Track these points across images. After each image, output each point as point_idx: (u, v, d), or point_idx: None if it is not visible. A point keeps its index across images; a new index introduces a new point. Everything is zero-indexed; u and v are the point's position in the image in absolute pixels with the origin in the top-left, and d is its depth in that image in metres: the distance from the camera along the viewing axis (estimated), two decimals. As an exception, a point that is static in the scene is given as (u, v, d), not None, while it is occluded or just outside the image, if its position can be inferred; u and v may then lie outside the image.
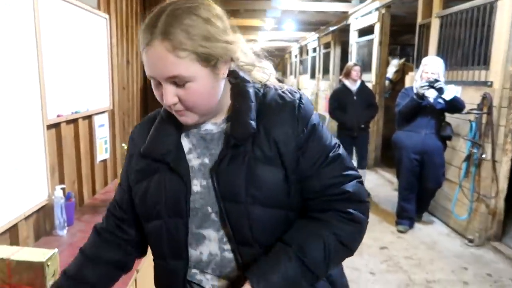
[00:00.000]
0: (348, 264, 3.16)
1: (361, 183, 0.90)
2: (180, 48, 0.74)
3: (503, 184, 3.44)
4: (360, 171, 4.86)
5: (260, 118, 0.86)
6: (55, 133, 1.97)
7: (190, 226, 0.88)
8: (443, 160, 3.67)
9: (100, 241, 1.02)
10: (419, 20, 4.83)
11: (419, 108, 3.50)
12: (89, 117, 2.37)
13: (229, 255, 0.88)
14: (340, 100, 4.68)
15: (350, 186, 0.86)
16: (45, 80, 1.82)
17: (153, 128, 0.92)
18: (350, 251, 0.87)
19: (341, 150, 0.91)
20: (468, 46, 3.78)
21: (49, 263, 1.19)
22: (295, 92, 0.92)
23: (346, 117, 4.63)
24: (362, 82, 4.73)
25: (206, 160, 0.88)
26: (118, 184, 1.04)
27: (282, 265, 0.80)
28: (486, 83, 3.44)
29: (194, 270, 0.92)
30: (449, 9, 4.11)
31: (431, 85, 3.37)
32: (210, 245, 0.89)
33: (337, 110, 4.72)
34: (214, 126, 0.89)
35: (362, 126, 4.66)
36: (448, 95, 3.37)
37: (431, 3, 4.49)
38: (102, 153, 2.54)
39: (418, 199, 3.82)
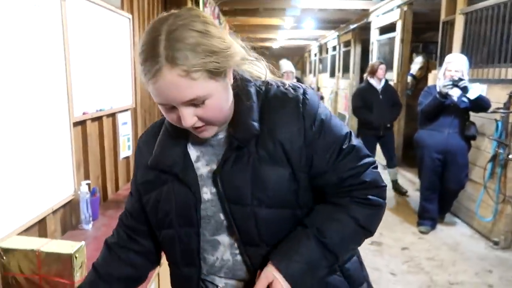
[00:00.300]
0: (369, 264, 3.13)
1: (376, 167, 0.90)
2: (192, 70, 0.72)
3: (530, 185, 3.34)
4: (391, 171, 4.84)
5: (263, 118, 0.85)
6: (81, 130, 2.03)
7: (204, 234, 0.89)
8: (466, 161, 3.59)
9: (111, 258, 1.01)
10: (443, 17, 4.73)
11: (442, 107, 3.43)
12: (112, 115, 2.43)
13: (239, 258, 0.89)
14: (365, 99, 4.62)
15: (367, 176, 0.87)
16: (72, 80, 1.87)
17: (158, 141, 0.92)
18: (369, 233, 0.89)
19: (354, 139, 0.89)
20: (494, 43, 3.68)
21: (77, 255, 1.23)
22: (298, 87, 0.89)
23: (373, 116, 4.57)
24: (386, 81, 4.67)
25: (215, 166, 0.87)
26: (129, 193, 1.03)
27: (302, 246, 0.83)
28: (514, 81, 3.35)
29: (207, 275, 0.94)
30: (474, 5, 4.01)
31: (455, 83, 3.30)
32: (224, 250, 0.90)
33: (363, 109, 4.66)
34: (221, 133, 0.88)
35: (388, 125, 4.60)
36: (472, 94, 3.29)
37: (455, 0, 4.39)
38: (125, 150, 2.59)
39: (440, 200, 3.75)
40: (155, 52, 0.72)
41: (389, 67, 6.36)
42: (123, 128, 2.56)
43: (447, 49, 4.61)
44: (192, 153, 0.90)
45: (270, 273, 0.81)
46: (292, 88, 0.88)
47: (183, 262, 0.92)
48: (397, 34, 6.01)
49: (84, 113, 2.02)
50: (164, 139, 0.91)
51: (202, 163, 0.89)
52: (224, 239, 0.89)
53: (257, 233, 0.84)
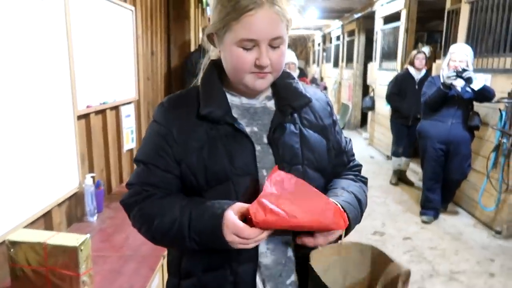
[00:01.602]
0: (371, 254, 3.16)
1: None
2: (282, 13, 0.86)
3: (534, 175, 3.33)
4: (406, 160, 4.83)
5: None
6: (85, 123, 2.05)
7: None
8: (469, 151, 3.59)
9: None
10: (448, 6, 4.68)
11: (446, 98, 3.42)
12: (116, 108, 2.44)
13: None
14: (401, 86, 4.65)
15: (359, 161, 1.13)
16: (75, 73, 1.88)
17: (203, 94, 0.94)
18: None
19: None
20: (499, 32, 3.64)
21: (82, 248, 1.26)
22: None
23: (403, 105, 4.60)
24: (427, 72, 4.63)
25: (255, 129, 0.94)
26: (146, 168, 0.94)
27: (347, 194, 0.97)
28: (518, 71, 3.32)
29: None
30: (480, -7, 3.96)
31: (459, 74, 3.27)
32: None
33: (396, 95, 4.69)
34: (255, 101, 0.97)
35: (418, 116, 4.58)
36: (476, 85, 3.27)
37: (461, -12, 4.33)
38: (129, 142, 2.61)
39: (443, 190, 3.76)
40: None
41: (393, 56, 6.33)
42: (126, 121, 2.58)
43: (452, 38, 4.57)
44: (233, 112, 0.95)
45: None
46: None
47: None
48: (402, 24, 5.95)
49: (88, 106, 2.04)
50: (209, 93, 0.94)
51: (246, 123, 0.94)
52: None
53: None
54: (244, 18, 0.83)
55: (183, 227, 0.86)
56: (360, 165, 1.12)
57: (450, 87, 3.37)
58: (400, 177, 5.01)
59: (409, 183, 4.91)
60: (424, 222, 3.76)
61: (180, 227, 0.87)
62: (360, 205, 0.98)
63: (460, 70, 3.29)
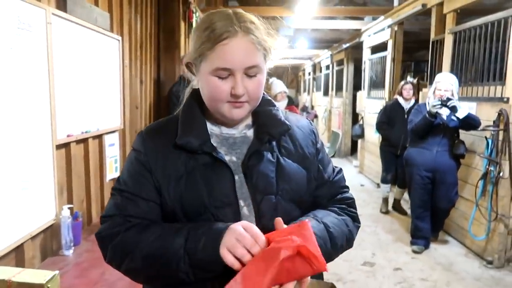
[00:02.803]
0: (361, 286, 3.08)
1: None
2: (259, 41, 0.86)
3: (523, 203, 3.32)
4: (400, 190, 4.82)
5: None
6: (65, 153, 2.00)
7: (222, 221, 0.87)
8: (455, 179, 3.58)
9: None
10: (432, 36, 4.80)
11: (432, 126, 3.45)
12: (99, 137, 2.41)
13: None
14: (389, 115, 4.72)
15: (351, 194, 1.05)
16: (55, 101, 1.86)
17: (182, 124, 0.92)
18: (351, 242, 0.99)
19: None
20: (483, 61, 3.72)
21: (49, 285, 1.18)
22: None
23: (392, 133, 4.66)
24: (416, 102, 4.69)
25: (234, 158, 0.92)
26: (124, 198, 0.89)
27: (315, 223, 0.91)
28: (502, 99, 3.36)
29: None
30: (462, 25, 4.07)
31: (444, 103, 3.30)
32: None
33: (385, 124, 4.76)
34: (235, 130, 0.95)
35: (407, 145, 4.61)
36: (461, 113, 3.31)
37: (444, 19, 4.45)
38: (112, 172, 2.56)
39: (432, 219, 3.71)
40: (228, 21, 0.85)
41: (381, 85, 6.42)
42: (110, 150, 2.54)
43: (437, 67, 4.66)
44: (212, 141, 0.92)
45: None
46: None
47: None
48: (388, 53, 6.08)
49: (68, 135, 2.00)
50: (188, 122, 0.92)
51: (225, 152, 0.92)
52: None
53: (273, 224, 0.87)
54: (218, 47, 0.83)
55: (176, 245, 0.81)
56: (351, 198, 1.04)
57: (435, 115, 3.40)
58: (394, 206, 4.97)
59: (403, 212, 4.87)
60: (414, 252, 3.70)
61: (173, 245, 0.81)
62: (331, 239, 0.90)
63: (445, 99, 3.33)
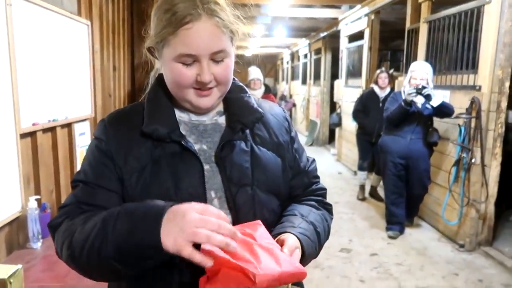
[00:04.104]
0: (339, 272, 3.11)
1: None
2: (223, 24, 0.80)
3: (493, 189, 3.41)
4: (376, 177, 4.87)
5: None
6: (31, 142, 1.91)
7: None
8: (428, 166, 3.67)
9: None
10: (408, 25, 4.84)
11: (407, 114, 3.50)
12: (68, 125, 2.32)
13: None
14: (365, 104, 4.79)
15: (323, 185, 1.03)
16: (19, 89, 1.76)
17: (148, 111, 0.86)
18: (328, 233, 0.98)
19: None
20: (456, 50, 3.77)
21: (11, 280, 1.13)
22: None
23: (367, 121, 4.73)
24: (392, 90, 4.72)
25: (204, 147, 0.87)
26: (84, 188, 0.83)
27: (304, 224, 0.88)
28: (475, 87, 3.43)
29: None
30: (437, 13, 4.11)
31: (419, 92, 3.36)
32: None
33: (361, 112, 4.83)
34: (205, 117, 0.89)
35: (382, 133, 4.65)
36: (435, 101, 3.37)
37: (419, 8, 4.49)
38: (83, 161, 2.48)
39: (407, 204, 3.80)
40: (192, 2, 0.78)
41: (358, 74, 6.46)
42: (80, 139, 2.45)
43: (412, 56, 4.71)
44: (181, 129, 0.87)
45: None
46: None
47: None
48: (365, 42, 6.10)
49: (34, 124, 1.91)
50: (154, 109, 0.86)
51: (194, 140, 0.87)
52: None
53: (254, 216, 0.84)
54: (181, 31, 0.77)
55: (106, 227, 0.71)
56: (325, 189, 1.02)
57: (411, 104, 3.44)
58: (371, 193, 5.04)
59: (380, 199, 4.95)
60: (390, 237, 3.77)
61: (100, 228, 0.71)
62: (318, 238, 0.89)
63: (420, 87, 3.37)
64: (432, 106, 3.41)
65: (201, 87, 0.82)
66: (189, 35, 0.77)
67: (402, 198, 3.74)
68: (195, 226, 0.66)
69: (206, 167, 0.84)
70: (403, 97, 3.50)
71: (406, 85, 3.57)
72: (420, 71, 3.51)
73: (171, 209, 0.69)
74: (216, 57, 0.81)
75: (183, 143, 0.83)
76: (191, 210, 0.68)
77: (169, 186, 0.81)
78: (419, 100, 3.48)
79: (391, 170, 3.69)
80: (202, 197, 0.83)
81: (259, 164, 0.88)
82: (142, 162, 0.83)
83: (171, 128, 0.84)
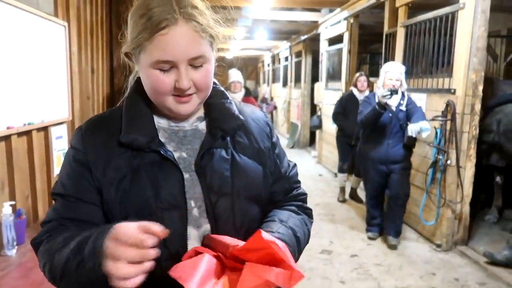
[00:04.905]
0: (319, 273, 3.14)
1: None
2: (202, 28, 0.78)
3: (468, 189, 3.51)
4: (356, 179, 4.92)
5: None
6: (5, 146, 1.87)
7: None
8: (408, 168, 3.63)
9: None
10: (386, 29, 4.93)
11: (381, 117, 3.41)
12: (44, 129, 2.27)
13: None
14: (345, 106, 4.82)
15: (304, 190, 1.02)
16: (-8, 90, 1.72)
17: (126, 119, 0.84)
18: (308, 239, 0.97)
19: None
20: (432, 54, 3.87)
21: (-16, 289, 1.10)
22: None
23: (346, 124, 4.77)
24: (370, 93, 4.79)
25: (184, 154, 0.85)
26: (64, 202, 0.83)
27: (283, 229, 0.87)
28: (450, 91, 3.52)
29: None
30: (414, 18, 4.20)
31: (393, 93, 3.29)
32: (191, 245, 0.81)
33: (340, 115, 4.87)
34: (185, 123, 0.88)
35: (359, 138, 4.71)
36: (425, 131, 3.28)
37: (397, 13, 4.58)
38: (60, 166, 2.42)
39: (390, 217, 3.65)
40: (168, 6, 0.76)
41: (338, 77, 6.54)
42: (57, 143, 2.40)
43: (390, 59, 4.79)
44: (160, 136, 0.85)
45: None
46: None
47: (165, 253, 0.77)
48: (345, 45, 6.19)
49: (8, 127, 1.86)
50: (133, 117, 0.84)
51: (170, 149, 0.85)
52: (190, 231, 0.82)
53: (233, 225, 0.84)
54: (157, 37, 0.75)
55: (72, 256, 0.71)
56: (305, 194, 1.02)
57: (385, 106, 3.35)
58: (351, 195, 5.11)
59: (359, 201, 5.02)
60: (370, 238, 3.82)
61: (70, 257, 0.71)
62: (298, 243, 0.87)
63: (394, 89, 3.30)
64: (406, 108, 3.44)
65: (180, 93, 0.80)
66: (165, 41, 0.75)
67: (381, 200, 3.79)
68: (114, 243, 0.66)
69: (186, 175, 0.83)
70: (377, 100, 3.41)
71: (380, 87, 3.47)
72: (394, 71, 3.43)
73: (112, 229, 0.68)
74: (195, 63, 0.79)
75: (162, 152, 0.81)
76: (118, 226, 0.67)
77: (149, 196, 0.80)
78: (394, 103, 3.43)
79: (372, 176, 3.66)
80: (182, 207, 0.82)
81: (239, 172, 0.86)
82: (121, 172, 0.81)
83: (150, 137, 0.83)
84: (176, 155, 0.84)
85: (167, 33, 0.75)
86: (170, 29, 0.75)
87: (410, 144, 3.50)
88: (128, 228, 0.66)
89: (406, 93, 3.47)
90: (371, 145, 3.62)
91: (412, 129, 3.31)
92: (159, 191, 0.80)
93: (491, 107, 3.91)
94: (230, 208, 0.84)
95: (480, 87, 3.40)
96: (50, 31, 2.34)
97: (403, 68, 3.53)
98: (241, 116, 0.90)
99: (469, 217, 3.60)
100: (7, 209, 1.70)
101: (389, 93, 3.29)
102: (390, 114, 3.46)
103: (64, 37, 2.54)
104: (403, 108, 3.47)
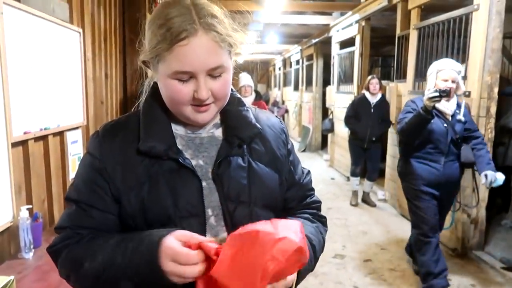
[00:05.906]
0: (332, 278, 3.11)
1: None
2: (222, 39, 0.77)
3: (484, 194, 3.45)
4: (369, 183, 4.90)
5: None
6: (22, 151, 1.89)
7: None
8: (458, 192, 3.00)
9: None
10: (398, 31, 4.90)
11: (427, 124, 2.60)
12: (60, 133, 2.30)
13: None
14: (357, 110, 4.79)
15: (318, 197, 1.02)
16: (10, 97, 1.75)
17: (144, 126, 0.84)
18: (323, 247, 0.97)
19: None
20: (446, 56, 3.82)
21: (3, 292, 1.12)
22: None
23: (359, 127, 4.74)
24: (383, 96, 4.76)
25: (201, 162, 0.85)
26: (79, 209, 0.83)
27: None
28: (464, 93, 3.47)
29: None
30: (426, 20, 4.17)
31: (443, 95, 2.49)
32: None
33: (352, 118, 4.84)
34: (202, 130, 0.88)
35: (374, 139, 4.68)
36: (500, 178, 2.61)
37: (409, 15, 4.56)
38: (75, 170, 2.45)
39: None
40: (187, 16, 0.75)
41: (350, 80, 6.51)
42: (72, 147, 2.43)
43: (402, 62, 4.77)
44: (177, 143, 0.85)
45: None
46: None
47: None
48: (356, 48, 6.17)
49: (25, 133, 1.89)
50: (151, 124, 0.84)
51: (191, 155, 0.85)
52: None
53: None
54: (176, 48, 0.75)
55: (117, 265, 0.74)
56: (319, 202, 1.01)
57: (431, 112, 2.55)
58: (363, 199, 5.08)
59: (372, 205, 4.98)
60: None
61: (114, 265, 0.75)
62: (314, 251, 0.87)
63: (444, 90, 2.50)
64: (464, 120, 2.69)
65: (198, 103, 0.80)
66: (184, 52, 0.75)
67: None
68: (172, 259, 0.71)
69: (203, 184, 0.83)
70: (423, 103, 2.57)
71: (430, 89, 2.63)
72: (449, 70, 2.62)
73: (161, 243, 0.73)
74: (214, 73, 0.79)
75: (180, 160, 0.81)
76: (171, 238, 0.73)
77: (169, 204, 0.80)
78: (447, 109, 2.66)
79: (429, 208, 2.73)
80: (201, 215, 0.82)
81: (256, 180, 0.86)
82: (140, 180, 0.81)
83: (168, 144, 0.82)
84: (193, 162, 0.84)
85: (186, 44, 0.75)
86: (189, 40, 0.75)
87: (468, 162, 2.76)
88: (183, 251, 0.71)
89: (464, 101, 2.84)
90: (421, 165, 2.75)
91: (490, 177, 2.58)
92: (178, 200, 0.80)
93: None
94: (248, 216, 0.83)
95: (496, 89, 3.35)
96: (65, 37, 2.38)
97: (459, 67, 2.71)
98: (258, 125, 0.90)
99: (485, 221, 3.54)
100: (24, 212, 1.73)
101: (437, 93, 2.48)
102: (445, 125, 2.67)
103: (79, 43, 2.58)
104: (460, 117, 2.71)
